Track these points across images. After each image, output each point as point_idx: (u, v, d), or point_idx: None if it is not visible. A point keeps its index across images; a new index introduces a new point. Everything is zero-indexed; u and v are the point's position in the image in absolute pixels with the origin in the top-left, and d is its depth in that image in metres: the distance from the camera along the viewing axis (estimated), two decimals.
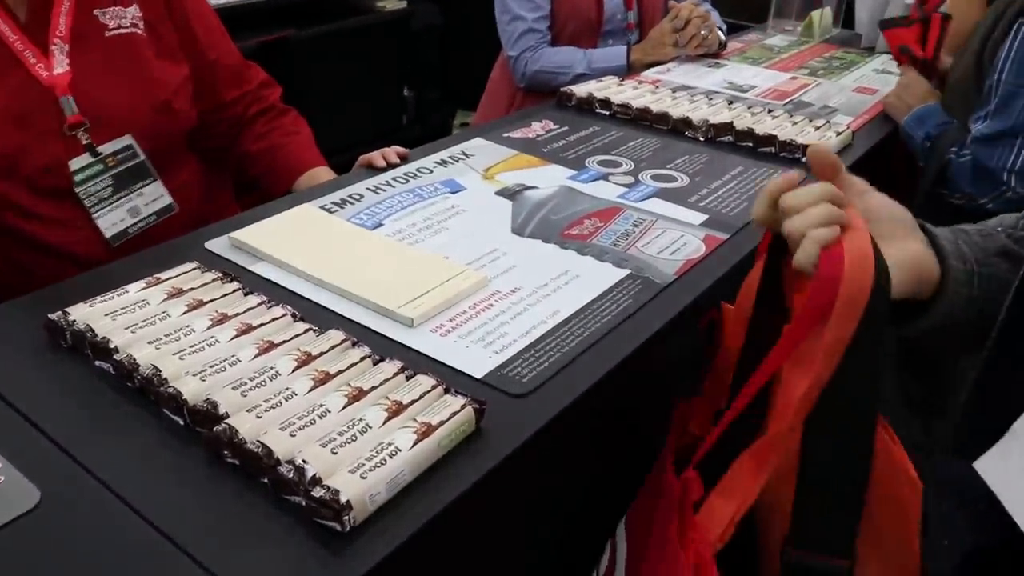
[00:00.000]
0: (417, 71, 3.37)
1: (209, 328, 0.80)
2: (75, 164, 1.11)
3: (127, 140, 1.16)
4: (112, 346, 0.76)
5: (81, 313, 0.81)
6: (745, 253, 1.05)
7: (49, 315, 0.82)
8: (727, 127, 1.44)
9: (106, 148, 1.14)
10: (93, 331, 0.78)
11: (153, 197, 1.20)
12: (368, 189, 1.20)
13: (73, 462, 0.67)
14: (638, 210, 1.16)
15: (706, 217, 1.15)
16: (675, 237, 1.08)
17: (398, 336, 0.84)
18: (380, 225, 1.09)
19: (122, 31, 1.18)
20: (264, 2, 2.75)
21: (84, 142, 1.12)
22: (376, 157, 1.29)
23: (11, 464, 0.66)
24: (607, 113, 1.57)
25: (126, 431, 0.70)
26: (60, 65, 1.11)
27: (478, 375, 0.79)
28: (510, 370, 0.79)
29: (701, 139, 1.45)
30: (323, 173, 1.33)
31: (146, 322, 0.80)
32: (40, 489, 0.64)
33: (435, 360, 0.81)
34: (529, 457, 0.72)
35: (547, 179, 1.26)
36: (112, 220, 1.15)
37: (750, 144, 1.42)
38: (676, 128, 1.48)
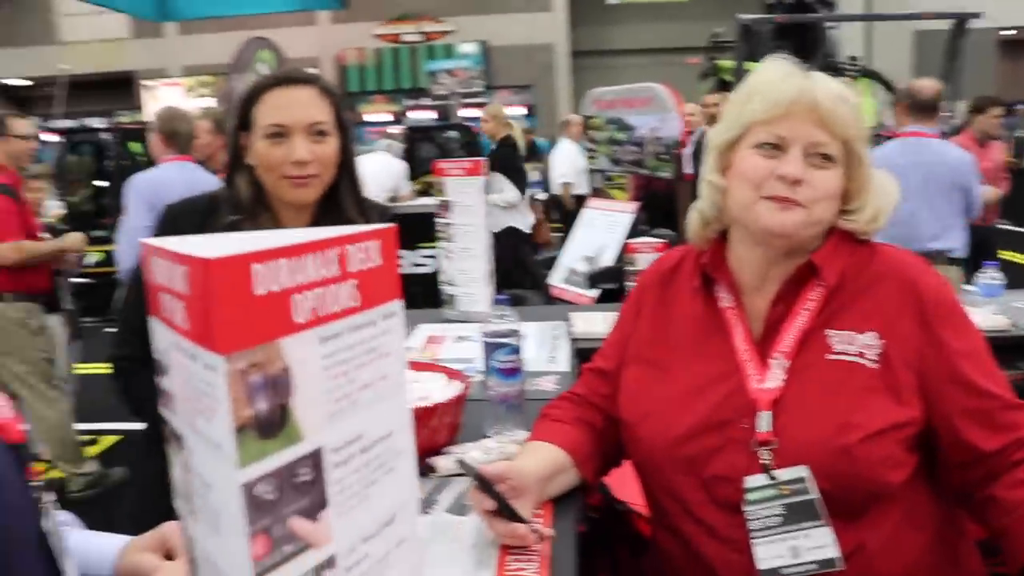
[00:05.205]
0: None
1: None
2: (750, 482, 1.08)
3: (802, 471, 1.07)
4: None
5: None
6: None
7: None
8: None
9: (782, 474, 1.07)
10: None
11: (818, 543, 1.06)
12: None
13: None
14: None
15: None
16: None
17: None
18: None
19: (845, 357, 1.10)
20: None
21: (763, 461, 1.08)
22: None
23: None
24: None
25: None
26: (773, 380, 1.11)
27: None
28: None
29: None
30: None
31: None
32: None
33: None
34: None
35: None
36: (771, 552, 1.06)
37: None
38: None
